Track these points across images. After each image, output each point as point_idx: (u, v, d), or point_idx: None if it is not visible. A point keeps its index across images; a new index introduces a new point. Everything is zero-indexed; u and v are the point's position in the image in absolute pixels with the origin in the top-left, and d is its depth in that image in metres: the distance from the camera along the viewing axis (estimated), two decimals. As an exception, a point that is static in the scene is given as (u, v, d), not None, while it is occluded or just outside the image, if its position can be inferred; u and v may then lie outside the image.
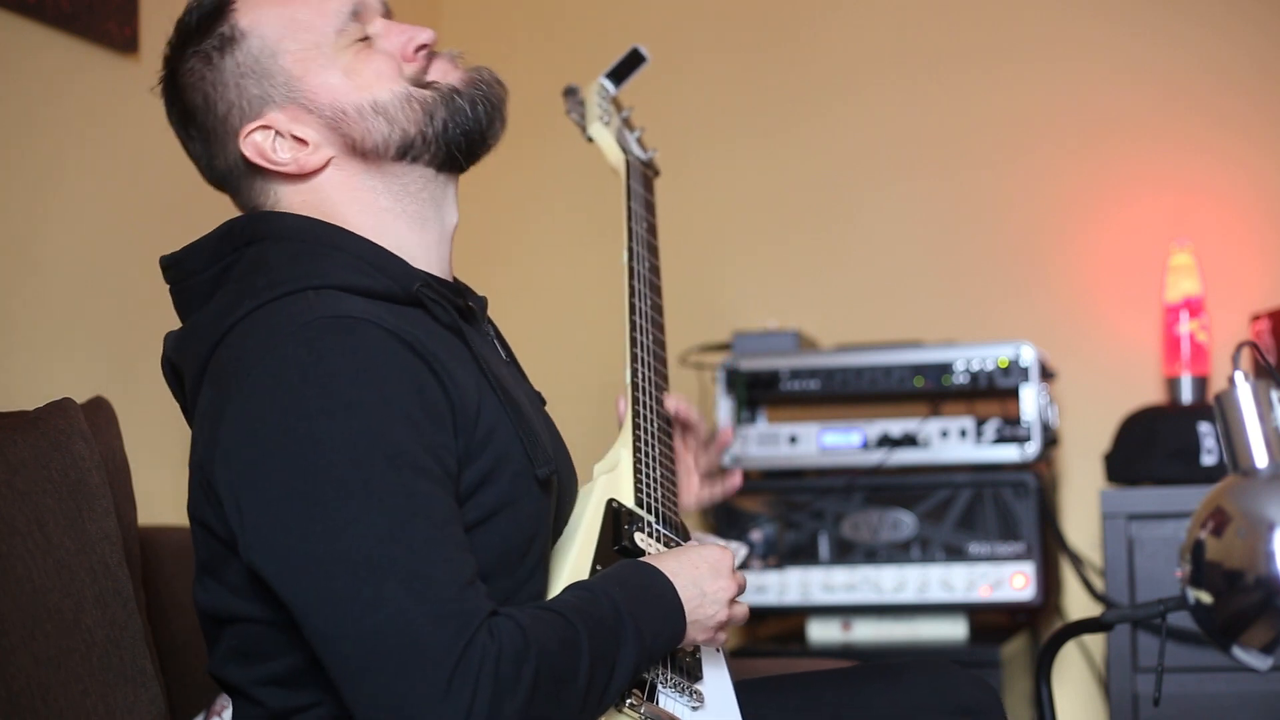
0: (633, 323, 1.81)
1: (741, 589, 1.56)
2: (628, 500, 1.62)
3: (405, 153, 1.53)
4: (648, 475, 1.67)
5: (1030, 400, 2.68)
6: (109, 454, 1.80)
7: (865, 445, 2.74)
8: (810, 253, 3.23)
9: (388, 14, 1.59)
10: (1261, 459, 1.55)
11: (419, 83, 1.54)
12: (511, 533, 1.46)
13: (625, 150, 2.02)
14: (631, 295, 1.83)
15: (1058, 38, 3.14)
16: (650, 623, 1.43)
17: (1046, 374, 2.78)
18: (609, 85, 2.15)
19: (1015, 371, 2.68)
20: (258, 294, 1.45)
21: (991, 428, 2.70)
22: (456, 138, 1.54)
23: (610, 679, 1.38)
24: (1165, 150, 3.06)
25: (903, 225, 3.19)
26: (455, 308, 1.54)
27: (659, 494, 1.67)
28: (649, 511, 1.63)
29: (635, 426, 1.71)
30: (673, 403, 1.79)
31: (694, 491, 1.89)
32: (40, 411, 1.73)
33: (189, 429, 1.49)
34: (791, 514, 2.75)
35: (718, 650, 1.59)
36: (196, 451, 1.45)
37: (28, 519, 1.60)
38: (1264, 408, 1.56)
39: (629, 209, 1.92)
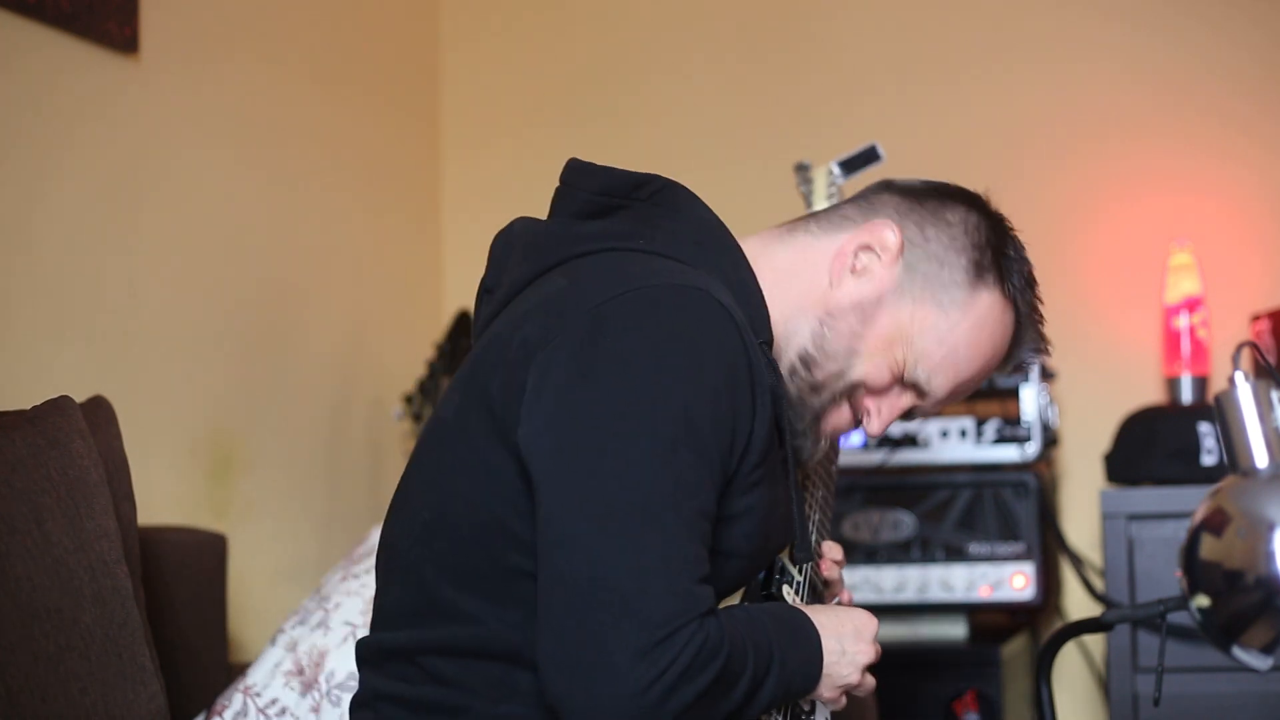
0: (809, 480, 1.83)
1: (878, 658, 1.56)
2: (784, 556, 1.65)
3: (800, 355, 1.56)
4: (804, 537, 1.68)
5: (1030, 400, 2.68)
6: (108, 453, 1.80)
7: (865, 445, 2.74)
8: (810, 253, 3.23)
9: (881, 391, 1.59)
10: (1261, 459, 1.55)
11: (825, 405, 1.57)
12: (716, 576, 1.45)
13: None
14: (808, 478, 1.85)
15: (1058, 38, 3.14)
16: (793, 663, 1.45)
17: (1046, 374, 2.78)
18: (839, 172, 2.28)
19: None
20: (652, 242, 1.50)
21: (991, 428, 2.69)
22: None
23: (752, 700, 1.41)
24: (1165, 150, 3.06)
25: (903, 225, 3.18)
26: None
27: (811, 556, 1.69)
28: (801, 574, 1.66)
29: (803, 489, 1.73)
30: (828, 548, 1.78)
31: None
32: (39, 410, 1.73)
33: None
34: (791, 514, 2.75)
35: (827, 716, 1.60)
36: (516, 331, 1.44)
37: (26, 517, 1.60)
38: (1264, 408, 1.56)
39: None
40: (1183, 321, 2.84)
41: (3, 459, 1.61)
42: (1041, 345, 1.73)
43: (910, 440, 2.72)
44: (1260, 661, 1.53)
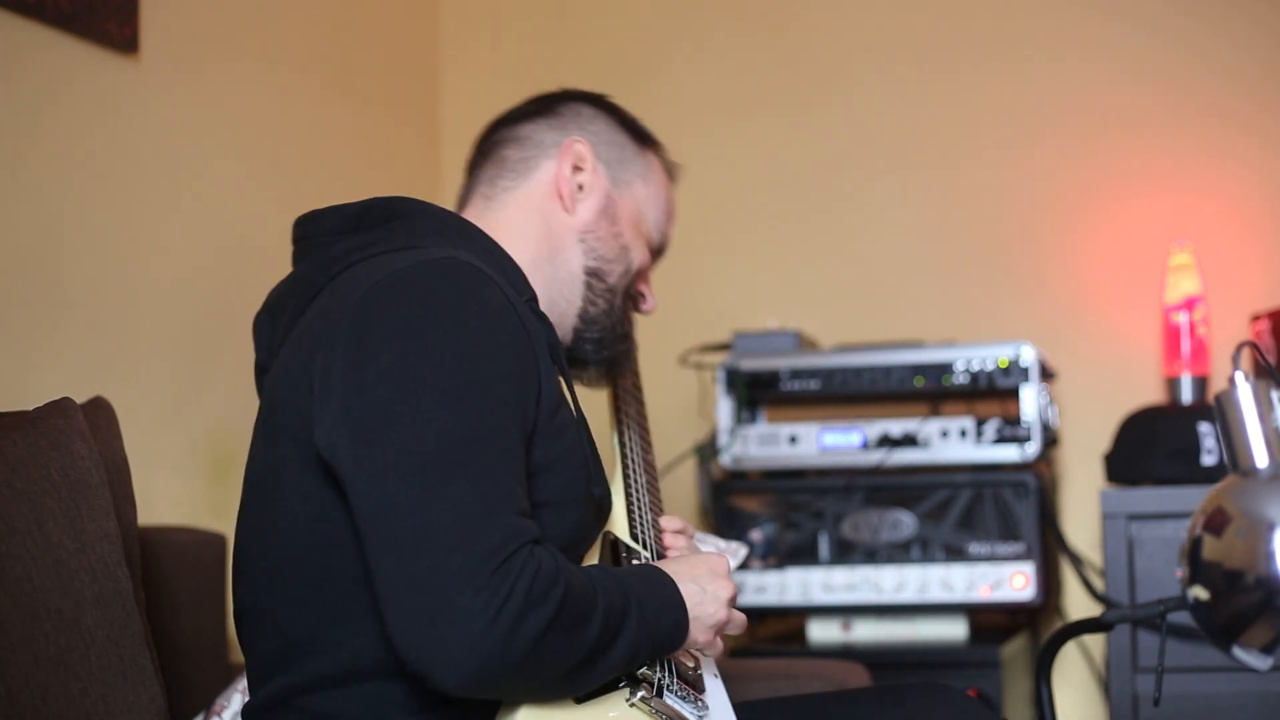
0: (617, 394, 1.92)
1: (738, 593, 1.61)
2: (623, 536, 1.70)
3: (589, 273, 1.76)
4: (640, 516, 1.75)
5: (1030, 400, 2.68)
6: (109, 454, 1.80)
7: (865, 445, 2.74)
8: (810, 253, 3.23)
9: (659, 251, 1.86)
10: (1261, 459, 1.55)
11: (623, 304, 1.78)
12: (552, 530, 1.49)
13: None
14: (616, 374, 1.93)
15: (1058, 36, 3.14)
16: (654, 608, 1.48)
17: (1046, 374, 2.78)
18: None
19: (1015, 371, 2.68)
20: (391, 243, 1.57)
21: (991, 428, 2.69)
22: (592, 353, 1.78)
23: (613, 643, 1.43)
24: (1165, 149, 3.06)
25: (903, 225, 3.19)
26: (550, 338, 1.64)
27: (652, 534, 1.74)
28: (645, 548, 1.70)
29: (624, 469, 1.80)
30: (666, 522, 1.85)
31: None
32: (40, 411, 1.73)
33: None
34: (791, 514, 2.75)
35: (715, 676, 1.63)
36: (296, 354, 1.50)
37: (27, 519, 1.60)
38: (1264, 408, 1.56)
39: None
40: (1183, 321, 2.84)
41: (4, 460, 1.61)
42: (674, 169, 1.92)
43: (910, 440, 2.72)
44: (1260, 661, 1.53)
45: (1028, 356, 2.68)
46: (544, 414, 1.49)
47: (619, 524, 1.73)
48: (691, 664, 1.59)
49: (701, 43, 3.30)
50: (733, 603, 1.59)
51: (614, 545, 1.66)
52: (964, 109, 3.16)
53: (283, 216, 2.71)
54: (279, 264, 2.69)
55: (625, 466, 1.81)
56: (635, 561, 1.65)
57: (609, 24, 3.34)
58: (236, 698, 2.01)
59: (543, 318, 1.61)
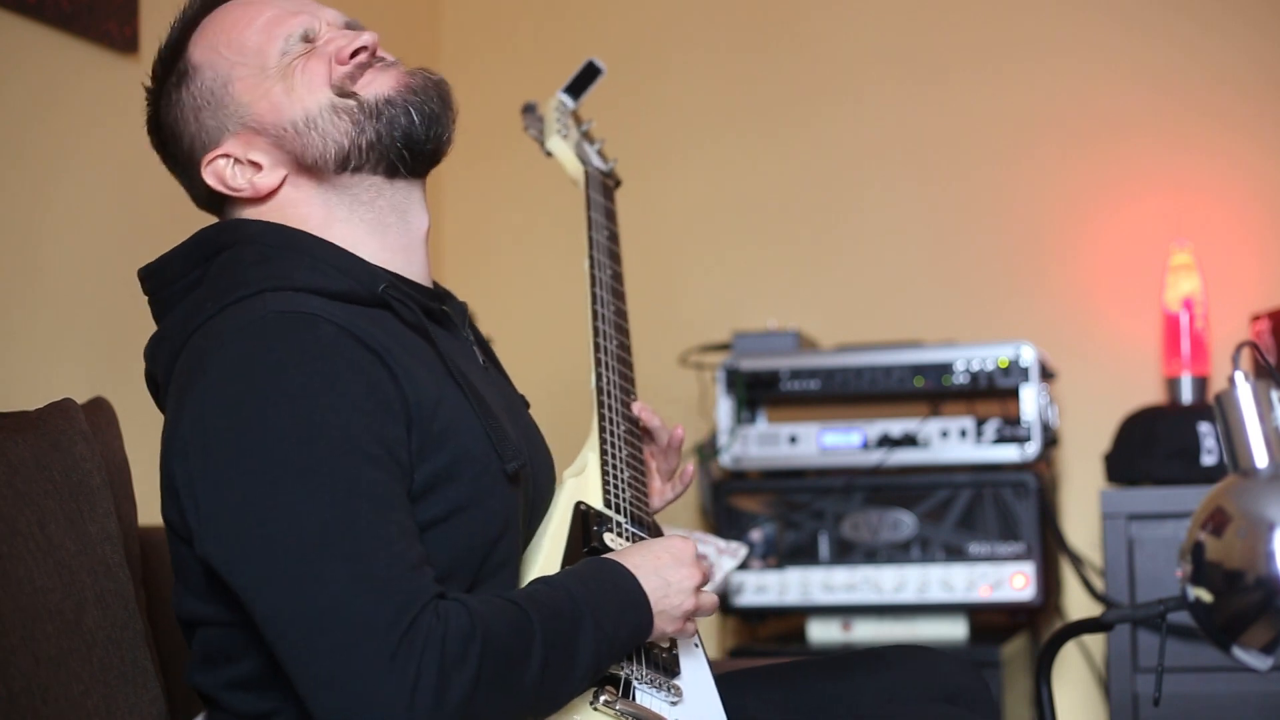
0: (595, 329, 1.84)
1: (706, 578, 1.56)
2: (596, 503, 1.65)
3: (345, 164, 1.55)
4: (615, 477, 1.69)
5: (1030, 400, 2.68)
6: (109, 454, 1.80)
7: (865, 445, 2.74)
8: (810, 253, 3.23)
9: (355, 29, 1.61)
10: (1261, 459, 1.55)
11: (343, 92, 1.55)
12: (476, 531, 1.47)
13: (584, 162, 2.06)
14: (594, 302, 1.86)
15: (1058, 38, 3.14)
16: (610, 613, 1.43)
17: (1046, 374, 2.78)
18: (567, 100, 2.18)
19: (1015, 371, 2.69)
20: (219, 298, 1.48)
21: (991, 428, 2.70)
22: (395, 147, 1.56)
23: (569, 668, 1.39)
24: (1165, 150, 3.06)
25: (903, 225, 3.19)
26: (423, 309, 1.56)
27: (628, 495, 1.69)
28: (618, 512, 1.65)
29: (601, 430, 1.73)
30: (636, 407, 1.81)
31: (657, 492, 1.90)
32: (41, 412, 1.73)
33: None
34: (791, 514, 2.75)
35: (695, 646, 1.60)
36: (162, 451, 1.48)
37: (28, 519, 1.60)
38: (1264, 408, 1.56)
39: (589, 219, 1.96)
40: (1183, 321, 2.84)
41: (5, 461, 1.61)
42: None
43: (910, 440, 2.72)
44: (1260, 661, 1.53)
45: (1028, 356, 2.68)
46: (420, 429, 1.43)
47: (592, 486, 1.66)
48: (666, 644, 1.55)
49: (702, 45, 3.31)
50: (701, 587, 1.54)
51: (584, 517, 1.60)
52: (965, 110, 3.16)
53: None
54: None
55: (602, 419, 1.74)
56: (607, 534, 1.59)
57: (611, 28, 3.34)
58: (237, 698, 2.01)
59: (404, 293, 1.53)
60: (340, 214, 1.57)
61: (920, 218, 3.18)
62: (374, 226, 1.57)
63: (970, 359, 2.71)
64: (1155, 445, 2.62)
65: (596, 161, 2.09)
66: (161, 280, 1.57)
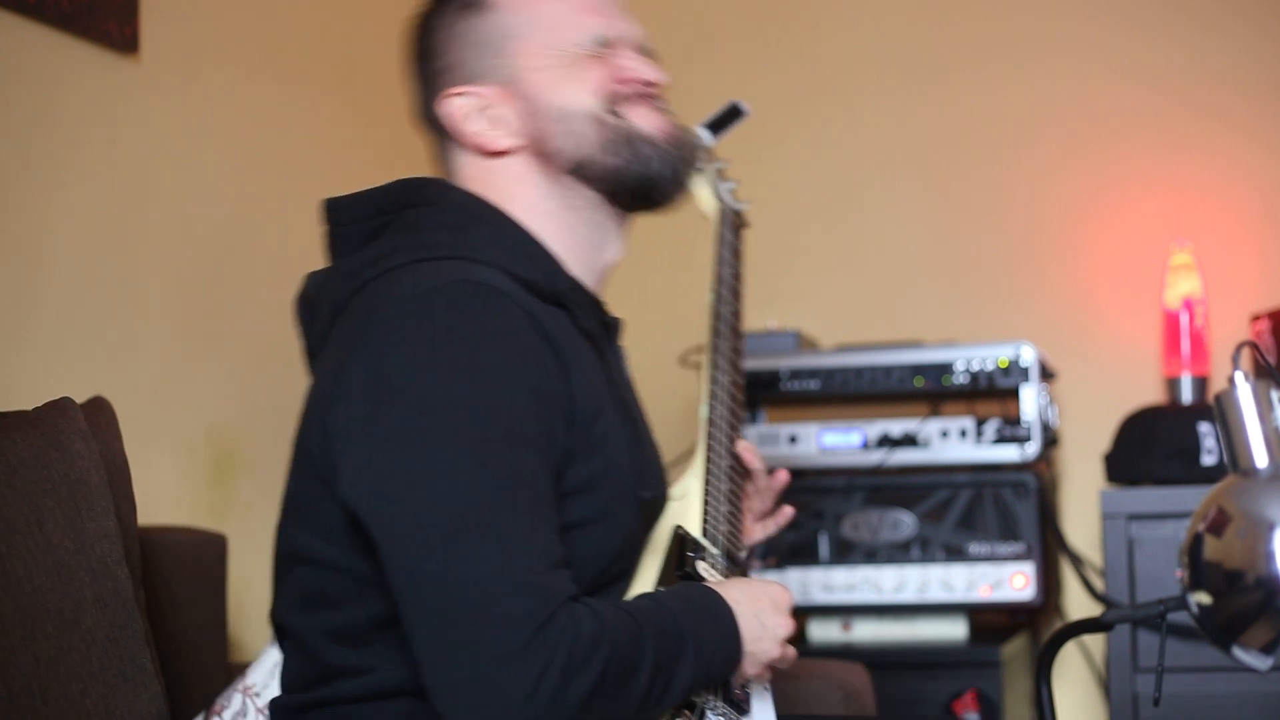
0: (714, 361, 1.86)
1: (794, 631, 1.57)
2: (694, 530, 1.65)
3: (578, 170, 1.56)
4: (714, 509, 1.70)
5: (1030, 400, 2.68)
6: (108, 454, 1.80)
7: (865, 445, 2.74)
8: (810, 253, 3.23)
9: (648, 55, 1.64)
10: (1261, 459, 1.55)
11: (612, 110, 1.57)
12: (602, 546, 1.47)
13: (719, 199, 2.07)
14: (714, 335, 1.88)
15: (1057, 38, 3.14)
16: (708, 643, 1.44)
17: (1046, 374, 2.78)
18: (706, 135, 2.23)
19: (1015, 371, 2.68)
20: (414, 250, 1.48)
21: (991, 428, 2.69)
22: (631, 181, 1.57)
23: (667, 688, 1.39)
24: (1165, 150, 3.06)
25: (903, 225, 3.19)
26: (596, 319, 1.57)
27: (724, 529, 1.69)
28: (713, 543, 1.66)
29: (707, 460, 1.74)
30: (741, 446, 1.81)
31: (749, 532, 1.91)
32: (40, 411, 1.73)
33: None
34: (791, 514, 2.75)
35: (765, 690, 1.60)
36: (320, 384, 1.47)
37: (27, 519, 1.60)
38: (1264, 408, 1.56)
39: (719, 254, 2.01)
40: (1183, 321, 2.84)
41: (4, 460, 1.61)
42: None
43: (910, 440, 2.72)
44: (1260, 661, 1.53)
45: (1028, 356, 2.68)
46: (579, 431, 1.43)
47: (693, 514, 1.67)
48: (742, 683, 1.56)
49: (701, 45, 3.30)
50: (788, 640, 1.55)
51: (681, 542, 1.60)
52: (965, 110, 3.16)
53: (282, 217, 2.72)
54: (278, 263, 2.69)
55: (710, 450, 1.75)
56: (700, 562, 1.60)
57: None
58: (237, 698, 2.01)
59: (584, 298, 1.54)
60: (548, 207, 1.57)
61: (920, 218, 3.18)
62: (573, 233, 1.58)
63: (970, 359, 2.71)
64: (1155, 445, 2.62)
65: (729, 200, 2.13)
66: (348, 216, 1.57)
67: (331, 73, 2.91)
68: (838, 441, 2.75)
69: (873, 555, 2.71)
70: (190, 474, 2.43)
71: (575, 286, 1.55)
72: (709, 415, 1.79)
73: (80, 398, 1.84)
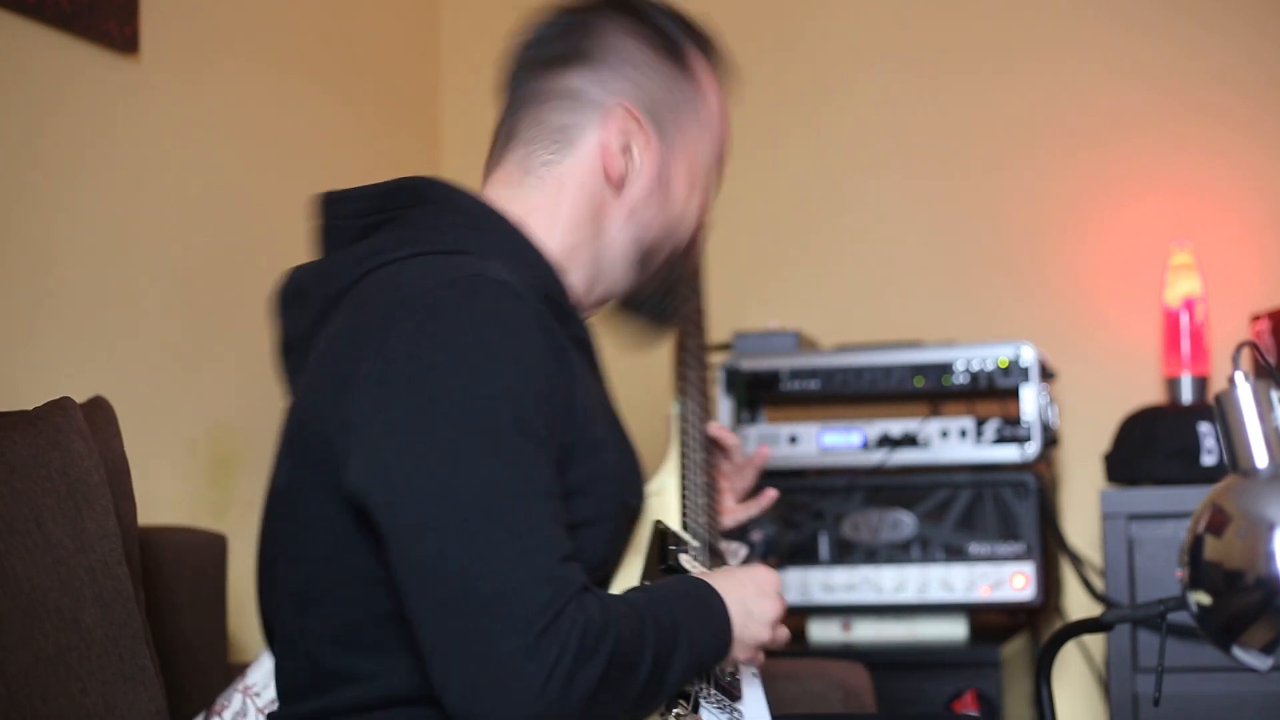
0: (681, 358, 1.88)
1: (784, 613, 1.58)
2: (674, 524, 1.66)
3: (629, 263, 1.62)
4: (692, 501, 1.72)
5: (1030, 400, 2.68)
6: (108, 453, 1.80)
7: (865, 445, 2.74)
8: (810, 253, 3.23)
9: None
10: (1261, 459, 1.55)
11: (651, 263, 1.63)
12: (591, 550, 1.46)
13: None
14: (682, 334, 1.91)
15: (1057, 38, 3.14)
16: (700, 635, 1.44)
17: (1046, 374, 2.78)
18: None
19: (1015, 371, 2.68)
20: (421, 245, 1.48)
21: (991, 428, 2.69)
22: (636, 304, 1.68)
23: (663, 680, 1.39)
24: (1165, 150, 3.06)
25: (903, 225, 3.19)
26: (587, 332, 1.58)
27: (703, 520, 1.71)
28: (694, 536, 1.68)
29: (682, 455, 1.77)
30: (714, 427, 1.84)
31: (730, 512, 1.91)
32: (39, 410, 1.73)
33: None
34: (791, 514, 2.74)
35: (754, 675, 1.62)
36: (320, 374, 1.45)
37: (26, 518, 1.60)
38: (1264, 408, 1.56)
39: None
40: (1183, 321, 2.84)
41: (3, 460, 1.61)
42: (724, 67, 1.78)
43: (910, 440, 2.72)
44: (1260, 661, 1.53)
45: (1028, 356, 2.68)
46: (579, 432, 1.43)
47: (671, 509, 1.69)
48: (730, 668, 1.57)
49: (701, 43, 3.30)
50: (779, 622, 1.56)
51: (663, 537, 1.61)
52: (965, 110, 3.16)
53: (282, 216, 2.72)
54: (279, 263, 2.69)
55: (684, 445, 1.77)
56: (683, 555, 1.61)
57: (609, 24, 3.34)
58: (237, 697, 2.01)
59: (576, 315, 1.54)
60: (578, 241, 1.58)
61: (920, 218, 3.18)
62: (590, 262, 1.60)
63: (970, 359, 2.71)
64: (1155, 445, 2.62)
65: None
66: (345, 211, 1.56)
67: (331, 73, 2.91)
68: (838, 441, 2.75)
69: (873, 555, 2.71)
70: (190, 474, 2.43)
71: (574, 301, 1.56)
72: (681, 411, 1.81)
73: (80, 398, 1.84)
